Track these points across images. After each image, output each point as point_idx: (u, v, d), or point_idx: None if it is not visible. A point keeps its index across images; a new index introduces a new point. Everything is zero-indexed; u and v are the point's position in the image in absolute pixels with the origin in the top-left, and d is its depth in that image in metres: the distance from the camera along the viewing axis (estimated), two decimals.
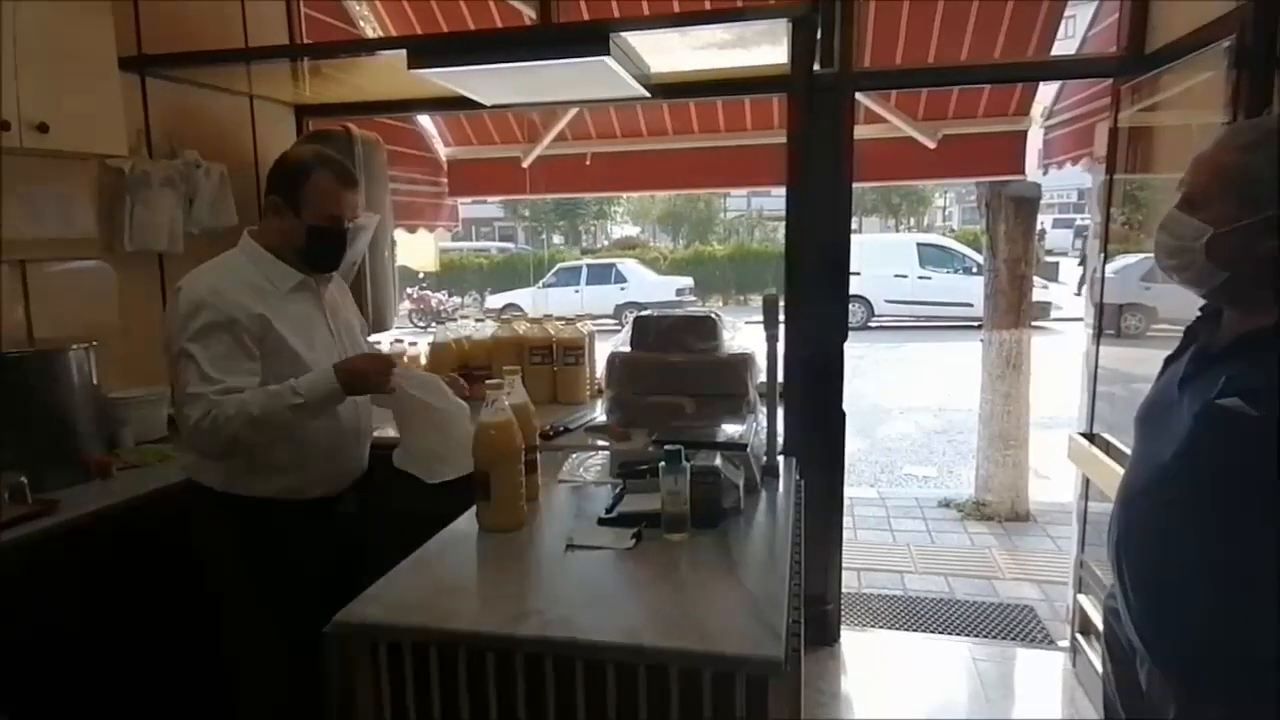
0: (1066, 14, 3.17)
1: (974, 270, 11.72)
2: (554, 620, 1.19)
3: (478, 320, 3.02)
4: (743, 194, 22.31)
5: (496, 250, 20.27)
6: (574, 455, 2.07)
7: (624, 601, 1.30)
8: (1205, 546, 1.12)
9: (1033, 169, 3.75)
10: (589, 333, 2.87)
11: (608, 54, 2.08)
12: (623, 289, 14.63)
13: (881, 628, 3.15)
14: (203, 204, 2.59)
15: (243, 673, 1.78)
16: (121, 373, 2.38)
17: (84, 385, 2.08)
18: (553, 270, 15.71)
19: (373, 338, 3.04)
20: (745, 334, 2.39)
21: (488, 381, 1.59)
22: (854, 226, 3.02)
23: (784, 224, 2.47)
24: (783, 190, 2.42)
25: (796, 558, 1.59)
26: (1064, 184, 18.54)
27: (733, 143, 3.83)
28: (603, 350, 2.43)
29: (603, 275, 15.05)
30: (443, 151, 4.14)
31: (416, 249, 4.47)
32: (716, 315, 2.29)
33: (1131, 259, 2.64)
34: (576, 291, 14.36)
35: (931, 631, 3.12)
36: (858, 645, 2.97)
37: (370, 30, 3.64)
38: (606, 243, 23.60)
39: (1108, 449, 2.40)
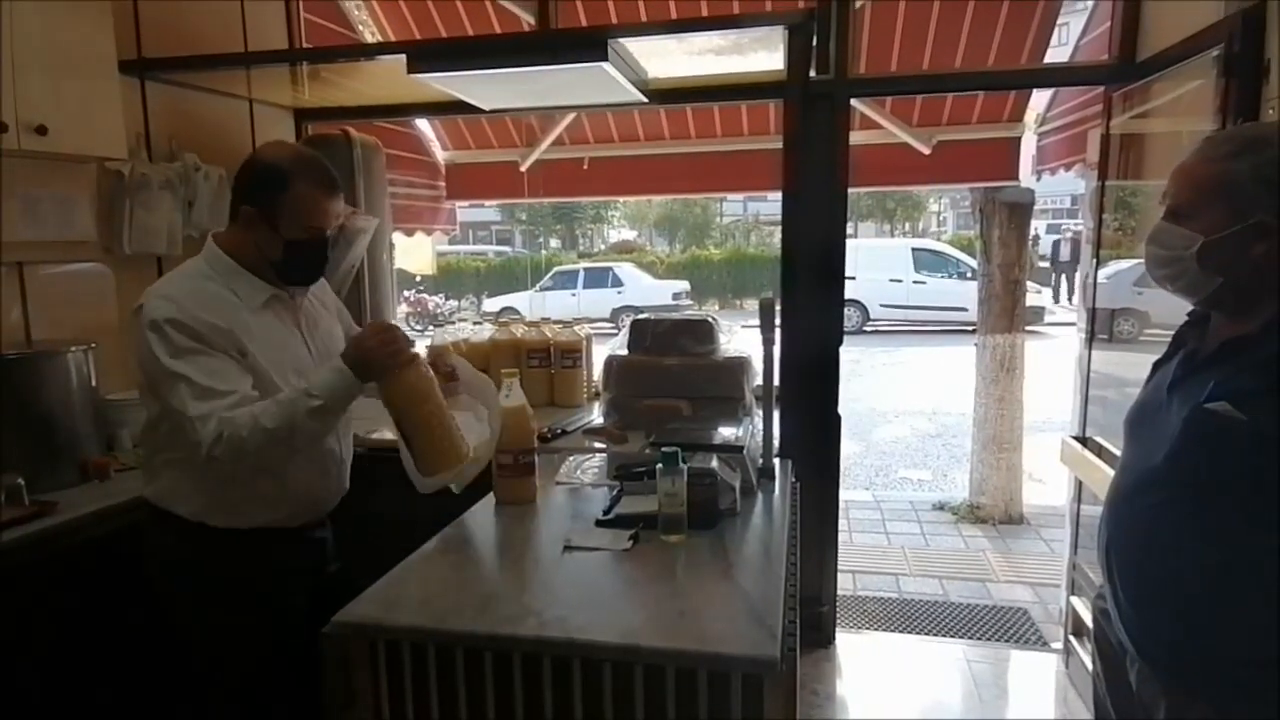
0: (1059, 22, 3.21)
1: (968, 275, 11.76)
2: (551, 621, 1.20)
3: (475, 323, 3.03)
4: (739, 198, 22.36)
5: (494, 254, 20.26)
6: (571, 457, 2.07)
7: (621, 602, 1.31)
8: (1194, 548, 1.13)
9: (1026, 175, 3.78)
10: (586, 336, 2.88)
11: (606, 60, 2.09)
12: (619, 293, 14.64)
13: (876, 630, 3.17)
14: (202, 207, 2.59)
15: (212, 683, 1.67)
16: (120, 375, 2.38)
17: (82, 387, 2.08)
18: (550, 274, 15.71)
19: None
20: (741, 337, 2.40)
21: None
22: (849, 231, 3.04)
23: (780, 228, 2.49)
24: (779, 195, 2.44)
25: (792, 560, 1.60)
26: (1057, 190, 18.61)
27: (729, 148, 3.86)
28: (600, 353, 2.44)
29: (600, 279, 15.06)
30: (441, 155, 4.15)
31: (414, 252, 4.48)
32: (713, 319, 2.31)
33: (1124, 264, 2.67)
34: (573, 295, 14.37)
35: (926, 633, 3.13)
36: (853, 647, 2.98)
37: (369, 35, 3.66)
38: (603, 247, 23.62)
39: (1100, 452, 2.42)
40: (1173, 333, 1.32)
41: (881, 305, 12.92)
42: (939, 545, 4.13)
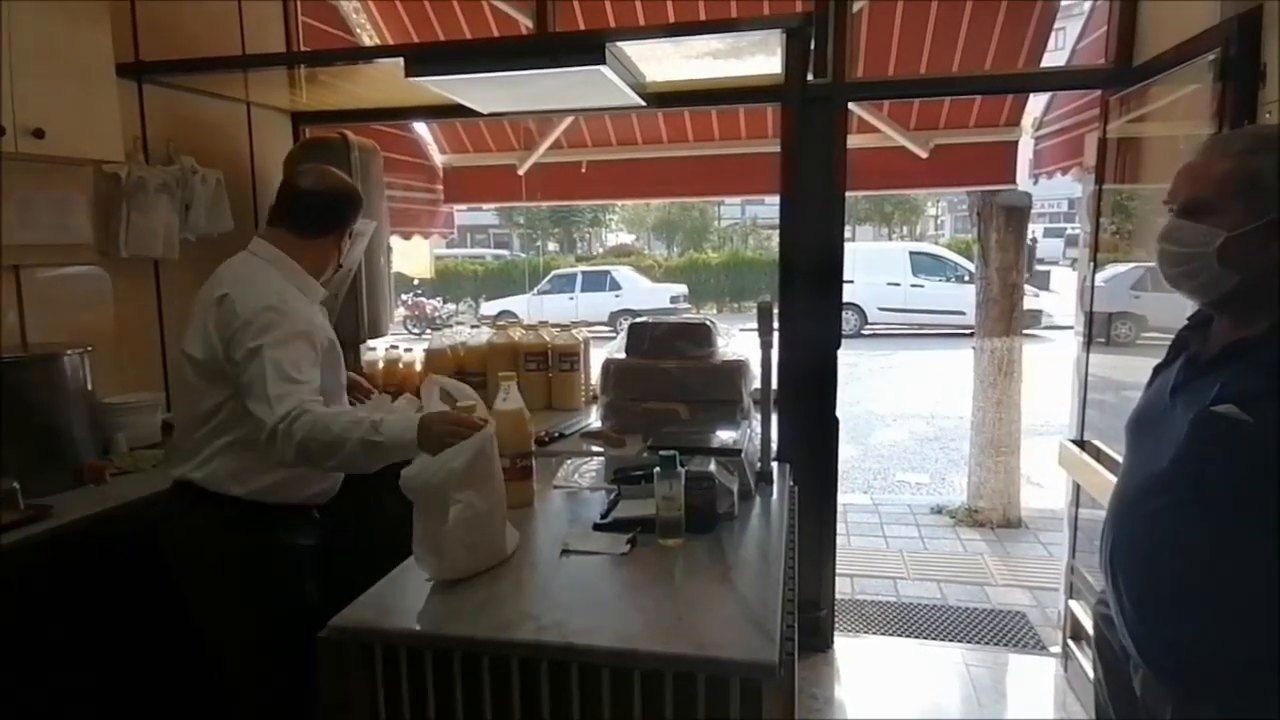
0: (1056, 26, 3.22)
1: (966, 279, 11.78)
2: (549, 625, 1.19)
3: (473, 327, 3.03)
4: (737, 202, 22.40)
5: (492, 257, 20.26)
6: (569, 461, 2.07)
7: (619, 606, 1.30)
8: (1200, 551, 1.13)
9: (1023, 178, 3.79)
10: (584, 339, 2.88)
11: (603, 63, 2.09)
12: (617, 296, 14.65)
13: (875, 633, 3.16)
14: (199, 210, 2.59)
15: (233, 678, 1.76)
16: (116, 378, 2.38)
17: (78, 391, 2.07)
18: (548, 277, 15.72)
19: (368, 344, 3.05)
20: (739, 341, 2.41)
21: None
22: (847, 235, 3.04)
23: (778, 232, 2.49)
24: (777, 198, 2.44)
25: (790, 563, 1.60)
26: (1055, 194, 18.68)
27: (727, 151, 3.86)
28: (597, 357, 2.44)
29: (598, 282, 15.07)
30: (439, 159, 4.15)
31: (412, 256, 4.48)
32: (711, 322, 2.31)
33: (1122, 268, 2.67)
34: (571, 298, 14.37)
35: (924, 637, 3.13)
36: (851, 651, 2.97)
37: (367, 38, 3.66)
38: (601, 250, 23.62)
39: (1098, 455, 2.42)
40: (1171, 337, 1.31)
41: (879, 309, 12.93)
42: (937, 549, 4.13)
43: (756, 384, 2.01)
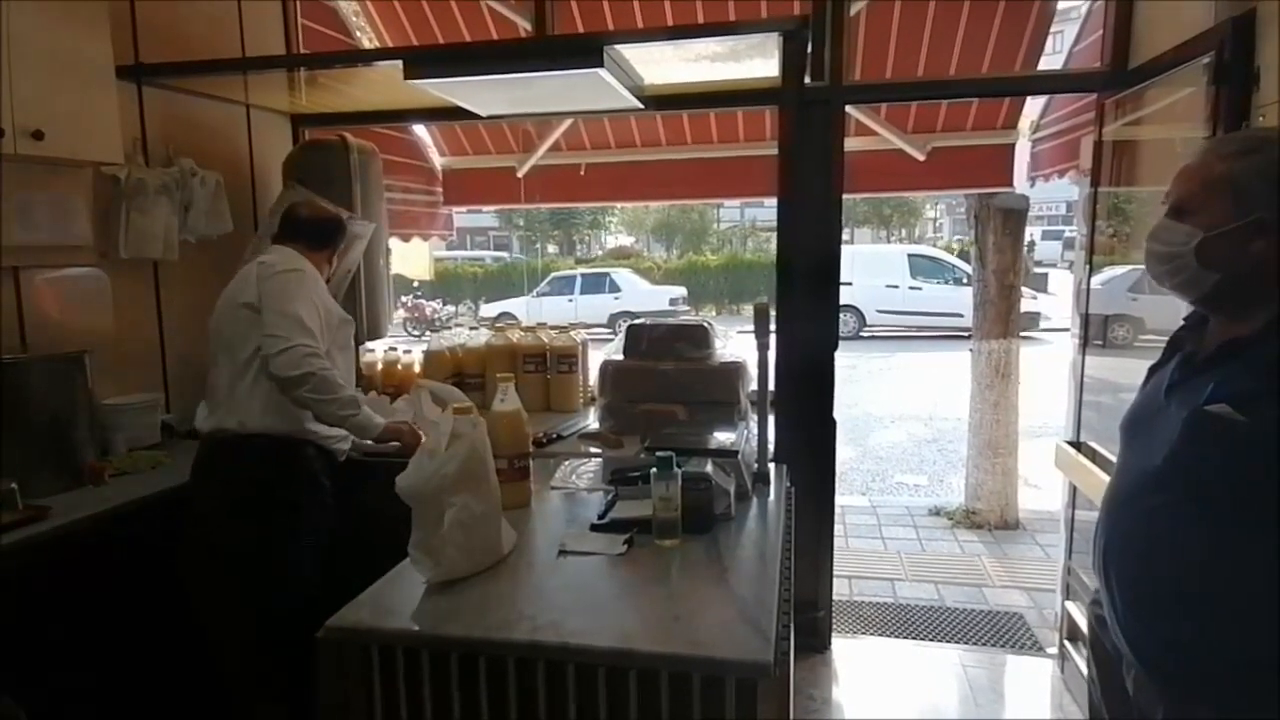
0: (1054, 29, 3.23)
1: (964, 281, 11.79)
2: (546, 625, 1.20)
3: (472, 328, 3.04)
4: (736, 204, 22.43)
5: (491, 259, 20.26)
6: (567, 462, 2.08)
7: (615, 606, 1.31)
8: (1194, 550, 1.13)
9: (1021, 181, 3.80)
10: (582, 341, 2.89)
11: (602, 66, 2.10)
12: (616, 298, 14.65)
13: (872, 635, 3.16)
14: (198, 212, 2.59)
15: (232, 662, 1.81)
16: (115, 380, 2.38)
17: (77, 392, 2.08)
18: (547, 279, 15.72)
19: (367, 345, 3.05)
20: (737, 343, 2.41)
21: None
22: (845, 237, 3.05)
23: (776, 234, 2.49)
24: (775, 200, 2.44)
25: (787, 564, 1.61)
26: (1052, 196, 18.71)
27: (725, 154, 3.86)
28: (596, 358, 2.45)
29: (597, 284, 15.07)
30: (438, 161, 4.16)
31: (411, 258, 4.48)
32: (709, 324, 2.32)
33: (1119, 270, 2.68)
34: (570, 300, 14.37)
35: (922, 638, 3.13)
36: (848, 652, 2.98)
37: (366, 41, 3.67)
38: (600, 252, 23.62)
39: (1094, 457, 2.43)
40: (1167, 339, 1.32)
41: (877, 311, 12.94)
42: (934, 550, 4.13)
43: (754, 385, 2.01)
